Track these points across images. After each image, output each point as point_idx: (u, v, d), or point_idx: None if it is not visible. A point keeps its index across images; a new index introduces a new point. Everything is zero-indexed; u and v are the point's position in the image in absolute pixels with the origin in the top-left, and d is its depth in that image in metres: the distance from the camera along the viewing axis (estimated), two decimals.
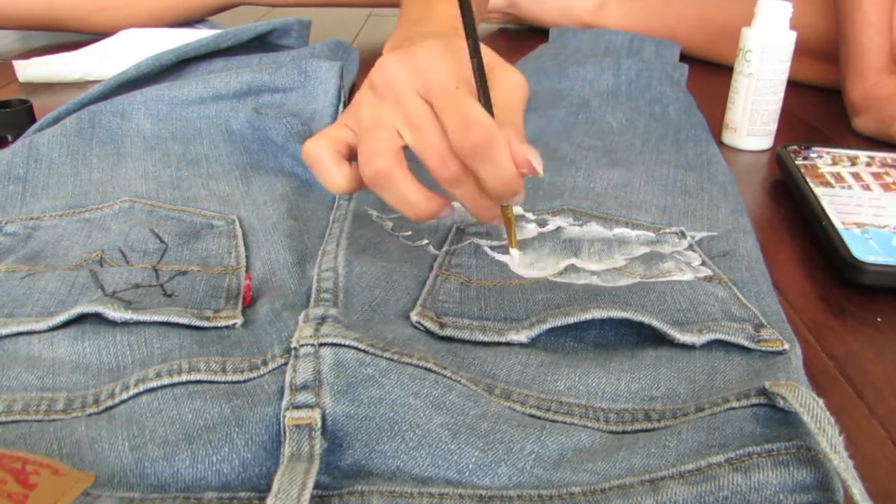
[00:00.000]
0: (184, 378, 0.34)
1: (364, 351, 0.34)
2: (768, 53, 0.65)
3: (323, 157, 0.41)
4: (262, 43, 0.85)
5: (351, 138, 0.42)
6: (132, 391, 0.33)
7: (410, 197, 0.40)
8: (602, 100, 0.74)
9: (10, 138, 0.68)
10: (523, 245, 0.48)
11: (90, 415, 0.33)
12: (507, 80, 0.42)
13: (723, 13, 0.99)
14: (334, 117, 0.68)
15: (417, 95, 0.39)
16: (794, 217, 0.57)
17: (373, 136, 0.40)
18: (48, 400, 0.34)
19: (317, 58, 0.74)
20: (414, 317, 0.39)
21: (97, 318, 0.39)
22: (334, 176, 0.41)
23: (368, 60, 0.96)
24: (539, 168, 0.39)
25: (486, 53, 0.42)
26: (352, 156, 0.42)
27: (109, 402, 0.33)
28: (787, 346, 0.38)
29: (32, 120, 0.70)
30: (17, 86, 0.86)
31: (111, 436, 0.31)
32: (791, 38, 0.66)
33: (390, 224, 0.51)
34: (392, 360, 0.34)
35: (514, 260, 0.46)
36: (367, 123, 0.40)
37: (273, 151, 0.61)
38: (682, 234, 0.50)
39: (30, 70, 0.87)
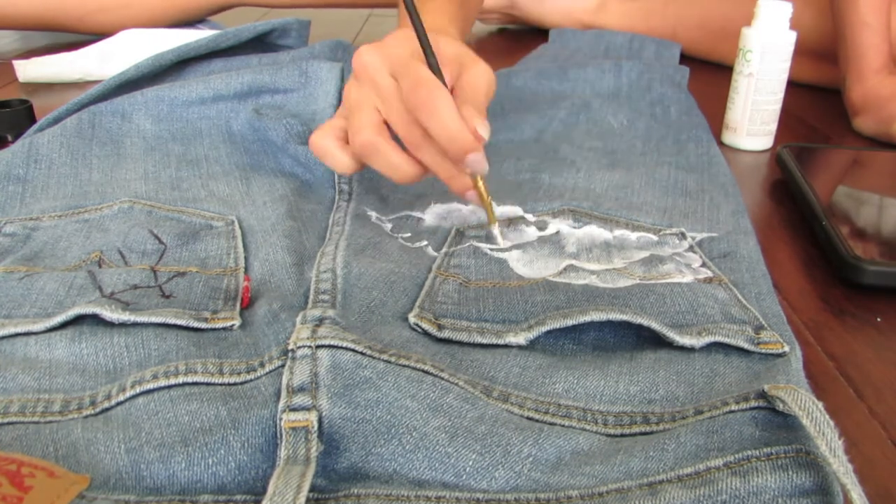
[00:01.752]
0: (180, 380, 0.34)
1: (361, 353, 0.34)
2: (768, 53, 0.65)
3: (327, 144, 0.48)
4: (261, 43, 0.85)
5: (346, 125, 0.48)
6: (129, 393, 0.33)
7: (394, 161, 0.46)
8: (603, 101, 0.74)
9: (10, 138, 0.68)
10: (523, 247, 0.48)
11: (86, 416, 0.33)
12: (475, 68, 0.47)
13: (723, 13, 0.99)
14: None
15: (388, 74, 0.46)
16: (794, 217, 0.57)
17: (357, 115, 0.46)
18: (44, 401, 0.34)
19: (317, 58, 0.73)
20: (412, 318, 0.39)
21: (95, 320, 0.38)
22: (340, 158, 0.48)
23: None
24: (484, 133, 0.44)
25: (461, 48, 0.49)
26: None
27: (106, 404, 0.33)
28: (787, 349, 0.38)
29: (32, 120, 0.70)
30: (17, 86, 0.86)
31: (107, 438, 0.31)
32: (791, 38, 0.65)
33: (389, 225, 0.51)
34: (389, 362, 0.33)
35: (497, 237, 0.48)
36: (352, 105, 0.47)
37: (273, 152, 0.61)
38: (683, 236, 0.50)
39: (30, 70, 0.87)
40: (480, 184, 0.47)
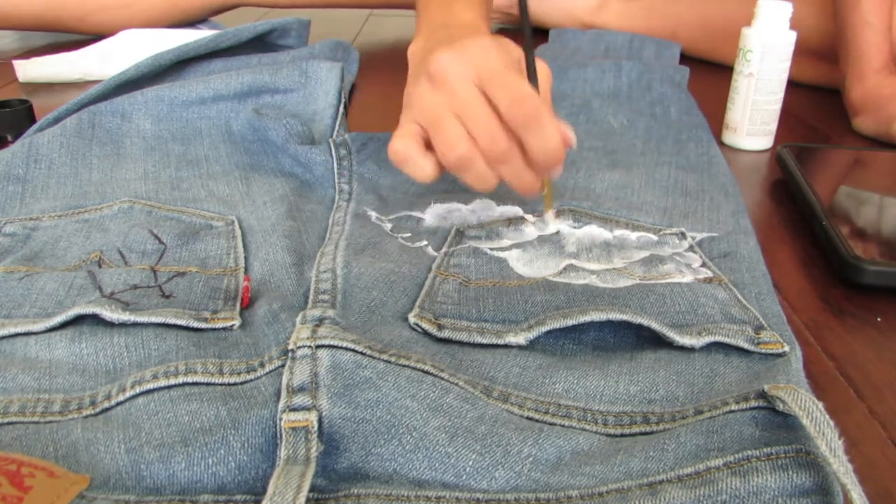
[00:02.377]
0: (180, 380, 0.34)
1: (361, 353, 0.34)
2: (768, 53, 0.65)
3: (411, 152, 0.45)
4: (261, 43, 0.85)
5: (423, 132, 0.46)
6: (128, 393, 0.33)
7: (484, 174, 0.45)
8: (603, 101, 0.74)
9: (9, 138, 0.68)
10: (521, 247, 0.48)
11: (86, 416, 0.33)
12: (539, 68, 0.47)
13: (723, 13, 0.98)
14: (334, 118, 0.68)
15: (471, 83, 0.44)
16: (794, 217, 0.57)
17: (445, 127, 0.44)
18: (44, 402, 0.34)
19: (317, 58, 0.73)
20: (412, 318, 0.39)
21: (95, 320, 0.38)
22: (425, 167, 0.46)
23: (368, 60, 0.97)
24: (573, 142, 0.46)
25: (515, 46, 0.48)
26: (428, 147, 0.46)
27: (106, 404, 0.33)
28: (786, 349, 0.38)
29: (32, 120, 0.70)
30: (17, 86, 0.86)
31: (107, 438, 0.31)
32: (791, 38, 0.65)
33: (389, 225, 0.51)
34: (389, 362, 0.33)
35: (549, 223, 0.51)
36: (431, 114, 0.45)
37: (273, 152, 0.61)
38: (683, 236, 0.50)
39: (30, 70, 0.87)
40: (549, 185, 0.50)
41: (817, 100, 0.86)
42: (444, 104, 0.45)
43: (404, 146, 0.45)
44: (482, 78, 0.44)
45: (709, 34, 1.00)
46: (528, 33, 0.46)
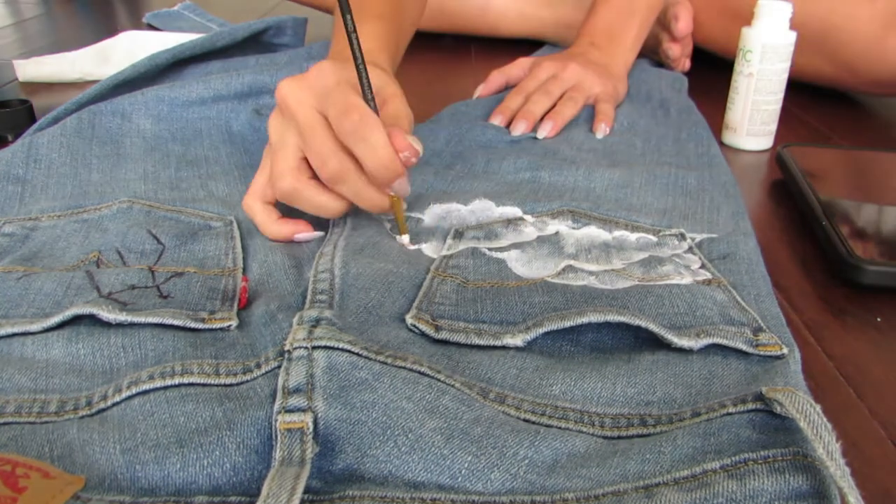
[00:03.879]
0: (176, 381, 0.33)
1: (357, 354, 0.33)
2: (768, 53, 0.65)
3: (255, 211, 0.48)
4: (257, 43, 0.85)
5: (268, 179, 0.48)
6: (124, 394, 0.33)
7: (319, 201, 0.46)
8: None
9: (10, 138, 0.68)
10: (520, 247, 0.48)
11: (82, 417, 0.33)
12: (395, 102, 0.48)
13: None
14: None
15: (311, 107, 0.44)
16: (794, 217, 0.57)
17: (278, 158, 0.46)
18: (40, 402, 0.34)
19: (315, 59, 0.73)
20: (409, 319, 0.39)
21: (92, 320, 0.38)
22: (269, 227, 0.48)
23: None
24: (418, 147, 0.45)
25: (385, 80, 0.49)
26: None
27: (102, 405, 0.33)
28: (785, 351, 0.38)
29: (32, 120, 0.70)
30: (17, 86, 0.86)
31: (102, 438, 0.31)
32: (791, 38, 0.65)
33: (389, 225, 0.51)
34: (385, 363, 0.33)
35: (406, 244, 0.49)
36: (275, 145, 0.47)
37: None
38: (682, 237, 0.50)
39: (30, 70, 0.87)
40: (397, 203, 0.48)
41: (817, 100, 0.86)
42: (284, 133, 0.46)
43: (249, 204, 0.48)
44: (318, 99, 0.44)
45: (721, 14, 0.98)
46: (355, 46, 0.45)
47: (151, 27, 1.16)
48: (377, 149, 0.43)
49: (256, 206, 0.48)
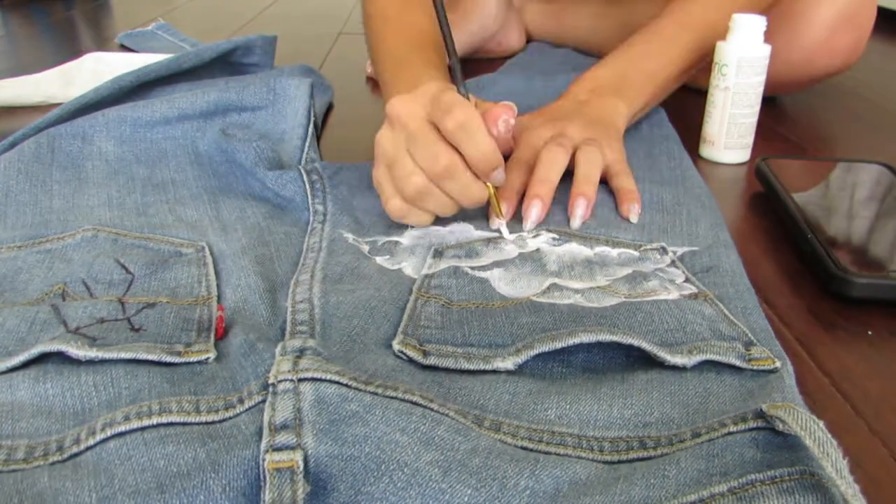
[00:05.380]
0: (154, 420, 0.32)
1: (346, 385, 0.32)
2: (744, 67, 0.65)
3: (400, 206, 0.50)
4: (227, 64, 0.83)
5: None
6: (99, 436, 0.31)
7: (442, 201, 0.49)
8: None
9: None
10: (503, 265, 0.47)
11: (53, 463, 0.31)
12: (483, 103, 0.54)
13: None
14: (304, 137, 0.66)
15: (420, 117, 0.48)
16: (777, 230, 0.57)
17: (398, 164, 0.48)
18: (7, 448, 0.31)
19: (285, 76, 0.72)
20: (396, 346, 0.38)
21: (60, 357, 0.36)
22: (423, 215, 0.50)
23: (339, 82, 0.95)
24: (513, 106, 0.50)
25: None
26: None
27: (74, 449, 0.31)
28: (778, 364, 0.37)
29: None
30: None
31: (77, 486, 0.29)
32: (766, 51, 0.66)
33: (367, 247, 0.50)
34: (376, 394, 0.32)
35: (505, 230, 0.51)
36: (389, 155, 0.49)
37: (242, 175, 0.59)
38: (664, 251, 0.49)
39: None
40: (493, 192, 0.50)
41: (790, 112, 0.87)
42: (397, 143, 0.48)
43: (401, 202, 0.50)
44: (426, 109, 0.48)
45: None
46: (449, 43, 0.50)
47: (125, 48, 1.13)
48: (481, 143, 0.46)
49: (398, 202, 0.50)
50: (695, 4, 0.69)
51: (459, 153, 0.47)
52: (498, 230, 0.51)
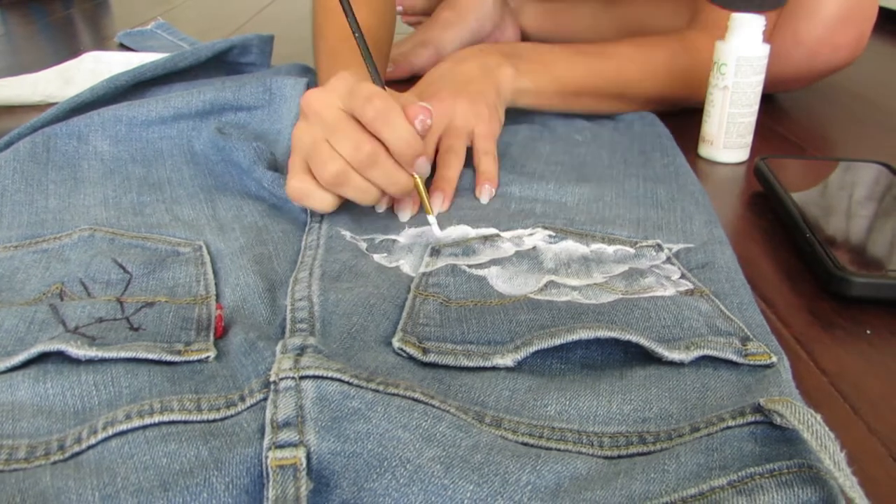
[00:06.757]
0: (156, 419, 0.32)
1: (348, 382, 0.32)
2: (742, 66, 0.66)
3: (308, 186, 0.49)
4: (223, 64, 0.83)
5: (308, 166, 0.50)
6: (100, 435, 0.31)
7: (362, 185, 0.49)
8: (565, 119, 0.74)
9: None
10: (500, 263, 0.47)
11: (55, 462, 0.31)
12: (400, 96, 0.54)
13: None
14: None
15: (335, 107, 0.48)
16: (775, 229, 0.57)
17: (316, 152, 0.48)
18: (8, 448, 0.31)
19: (281, 75, 0.72)
20: (396, 343, 0.38)
21: (59, 357, 0.36)
22: (324, 197, 0.50)
23: None
24: (430, 107, 0.49)
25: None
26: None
27: (76, 448, 0.31)
28: (774, 359, 0.37)
29: None
30: None
31: (79, 485, 0.29)
32: (765, 50, 0.66)
33: (364, 245, 0.50)
34: (378, 391, 0.32)
35: (434, 226, 0.51)
36: (306, 146, 0.49)
37: (239, 174, 0.59)
38: (659, 247, 0.50)
39: None
40: (420, 182, 0.51)
41: (789, 111, 0.87)
42: (316, 132, 0.48)
43: (300, 182, 0.49)
44: (342, 99, 0.48)
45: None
46: (360, 43, 0.52)
47: (124, 47, 1.13)
48: (400, 129, 0.47)
49: (307, 183, 0.49)
50: (637, 51, 0.74)
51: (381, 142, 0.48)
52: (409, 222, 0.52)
